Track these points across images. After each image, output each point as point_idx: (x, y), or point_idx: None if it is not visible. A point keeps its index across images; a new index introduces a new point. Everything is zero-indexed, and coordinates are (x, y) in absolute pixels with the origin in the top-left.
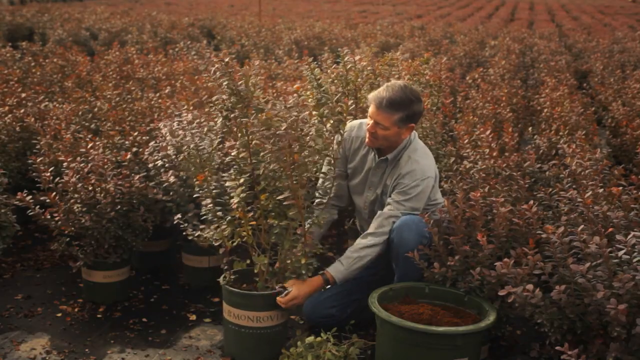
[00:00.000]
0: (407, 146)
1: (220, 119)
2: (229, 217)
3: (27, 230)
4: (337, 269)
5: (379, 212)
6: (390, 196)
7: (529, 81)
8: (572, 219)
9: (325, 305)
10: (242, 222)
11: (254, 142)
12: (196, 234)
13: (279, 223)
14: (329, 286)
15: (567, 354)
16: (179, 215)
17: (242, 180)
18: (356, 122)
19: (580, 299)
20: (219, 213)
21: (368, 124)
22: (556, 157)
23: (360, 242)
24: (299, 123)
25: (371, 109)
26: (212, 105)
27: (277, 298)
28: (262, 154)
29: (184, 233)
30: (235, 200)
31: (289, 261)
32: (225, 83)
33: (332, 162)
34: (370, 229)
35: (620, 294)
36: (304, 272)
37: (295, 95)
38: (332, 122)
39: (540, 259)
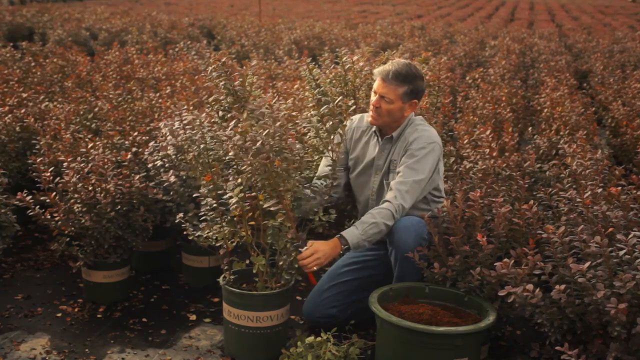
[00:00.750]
0: (409, 123)
1: (233, 123)
2: (228, 217)
3: (27, 230)
4: (352, 233)
5: (391, 183)
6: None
7: (529, 81)
8: (572, 219)
9: (326, 305)
10: (241, 221)
11: (230, 154)
12: (196, 234)
13: (270, 224)
14: (346, 246)
15: (567, 354)
16: (180, 215)
17: (239, 180)
18: (357, 115)
19: (580, 298)
20: (222, 215)
21: (372, 100)
22: (556, 157)
23: (376, 208)
24: (275, 134)
25: (377, 83)
26: (209, 105)
27: (298, 257)
28: (240, 166)
29: (184, 232)
30: (234, 200)
31: (281, 263)
32: (221, 83)
33: (332, 162)
34: (387, 197)
35: (620, 294)
36: (296, 265)
37: (271, 103)
38: (331, 122)
39: (540, 259)
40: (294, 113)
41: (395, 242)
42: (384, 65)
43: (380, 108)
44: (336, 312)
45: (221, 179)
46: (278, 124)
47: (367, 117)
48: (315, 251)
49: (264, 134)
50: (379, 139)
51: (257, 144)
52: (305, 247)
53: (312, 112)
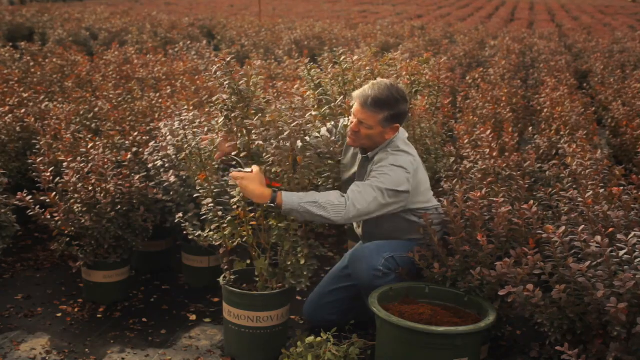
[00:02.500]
0: (388, 145)
1: (222, 119)
2: (230, 217)
3: (27, 230)
4: (291, 197)
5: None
6: None
7: (529, 81)
8: (572, 219)
9: (326, 311)
10: (243, 221)
11: (256, 143)
12: (197, 234)
13: (278, 224)
14: (272, 204)
15: (567, 354)
16: (180, 214)
17: (273, 170)
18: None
19: (580, 298)
20: (220, 213)
21: (351, 122)
22: (556, 157)
23: (331, 196)
24: (302, 126)
25: (355, 107)
26: (212, 105)
27: (233, 174)
28: (264, 155)
29: (184, 232)
30: (235, 199)
31: (289, 262)
32: (226, 83)
33: (335, 162)
34: (347, 195)
35: (620, 293)
36: (305, 273)
37: (299, 97)
38: (332, 122)
39: (540, 259)
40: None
41: (352, 272)
42: (364, 89)
43: (359, 132)
44: (336, 318)
45: (216, 178)
46: (305, 119)
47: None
48: (242, 179)
49: (292, 124)
50: (359, 155)
51: (285, 133)
52: (249, 170)
53: (312, 113)
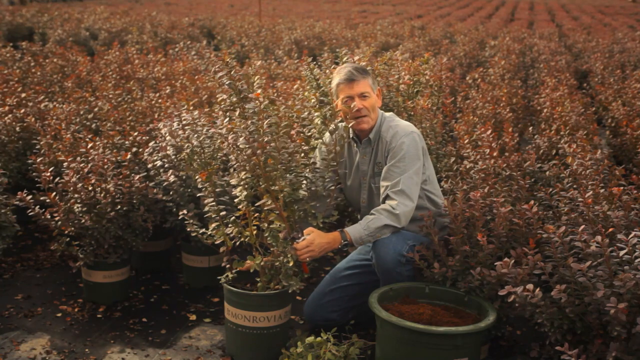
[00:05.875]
0: (382, 121)
1: (227, 119)
2: (233, 217)
3: (27, 230)
4: (355, 228)
5: (382, 189)
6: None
7: (529, 81)
8: (572, 219)
9: (327, 309)
10: (247, 221)
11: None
12: (201, 231)
13: (269, 225)
14: (345, 242)
15: (567, 354)
16: (184, 211)
17: (242, 176)
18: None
19: (580, 298)
20: (222, 213)
21: (354, 107)
22: (556, 157)
23: (381, 208)
24: (263, 130)
25: (347, 90)
26: (218, 105)
27: (294, 244)
28: (230, 163)
29: (187, 230)
30: (239, 199)
31: (277, 263)
32: (227, 83)
33: (335, 166)
34: (386, 201)
35: (620, 293)
36: (294, 273)
37: (257, 102)
38: (334, 124)
39: (540, 259)
40: (297, 112)
41: (375, 258)
42: (339, 74)
43: (366, 108)
44: (337, 317)
45: (219, 177)
46: (267, 121)
47: (352, 128)
48: (311, 243)
49: (247, 130)
50: (358, 144)
51: (239, 139)
52: (303, 237)
53: (315, 114)
